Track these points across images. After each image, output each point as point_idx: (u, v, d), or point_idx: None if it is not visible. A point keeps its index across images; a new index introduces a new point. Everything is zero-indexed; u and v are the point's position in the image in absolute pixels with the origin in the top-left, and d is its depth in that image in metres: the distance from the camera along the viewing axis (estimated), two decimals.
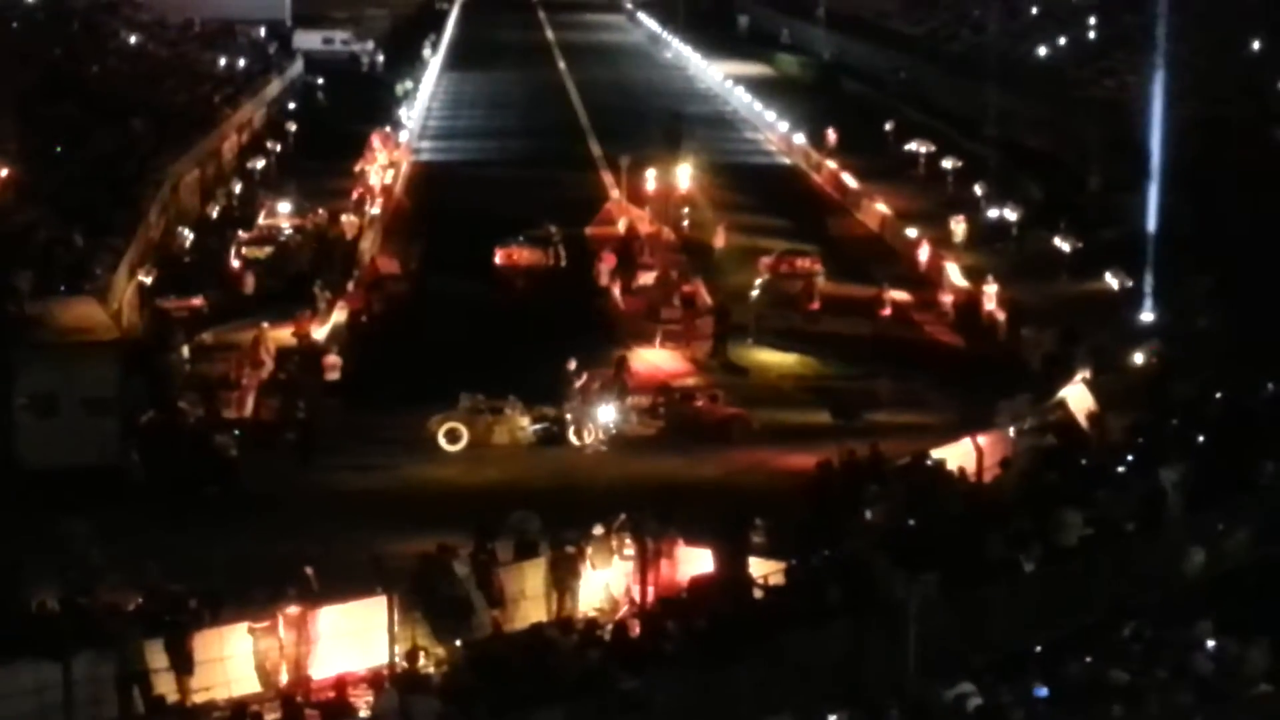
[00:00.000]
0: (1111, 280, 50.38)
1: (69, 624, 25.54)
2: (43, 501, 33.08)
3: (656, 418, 40.39)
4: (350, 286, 51.17)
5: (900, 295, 52.28)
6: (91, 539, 29.78)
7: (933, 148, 75.75)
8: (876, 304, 50.76)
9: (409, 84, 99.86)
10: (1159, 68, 49.47)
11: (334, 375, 42.81)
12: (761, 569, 27.27)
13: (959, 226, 60.75)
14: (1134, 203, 51.35)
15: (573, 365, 40.98)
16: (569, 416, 39.49)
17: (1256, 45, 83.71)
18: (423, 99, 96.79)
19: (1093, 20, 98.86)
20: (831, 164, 74.50)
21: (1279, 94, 75.37)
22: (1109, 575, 25.62)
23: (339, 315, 48.26)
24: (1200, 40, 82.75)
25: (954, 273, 53.10)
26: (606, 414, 39.60)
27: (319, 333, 46.51)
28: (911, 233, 59.48)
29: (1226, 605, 23.68)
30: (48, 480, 34.28)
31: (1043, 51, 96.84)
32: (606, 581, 28.83)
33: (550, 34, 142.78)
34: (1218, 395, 33.43)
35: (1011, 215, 61.52)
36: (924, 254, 56.97)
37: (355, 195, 64.99)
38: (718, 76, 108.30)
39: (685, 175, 66.14)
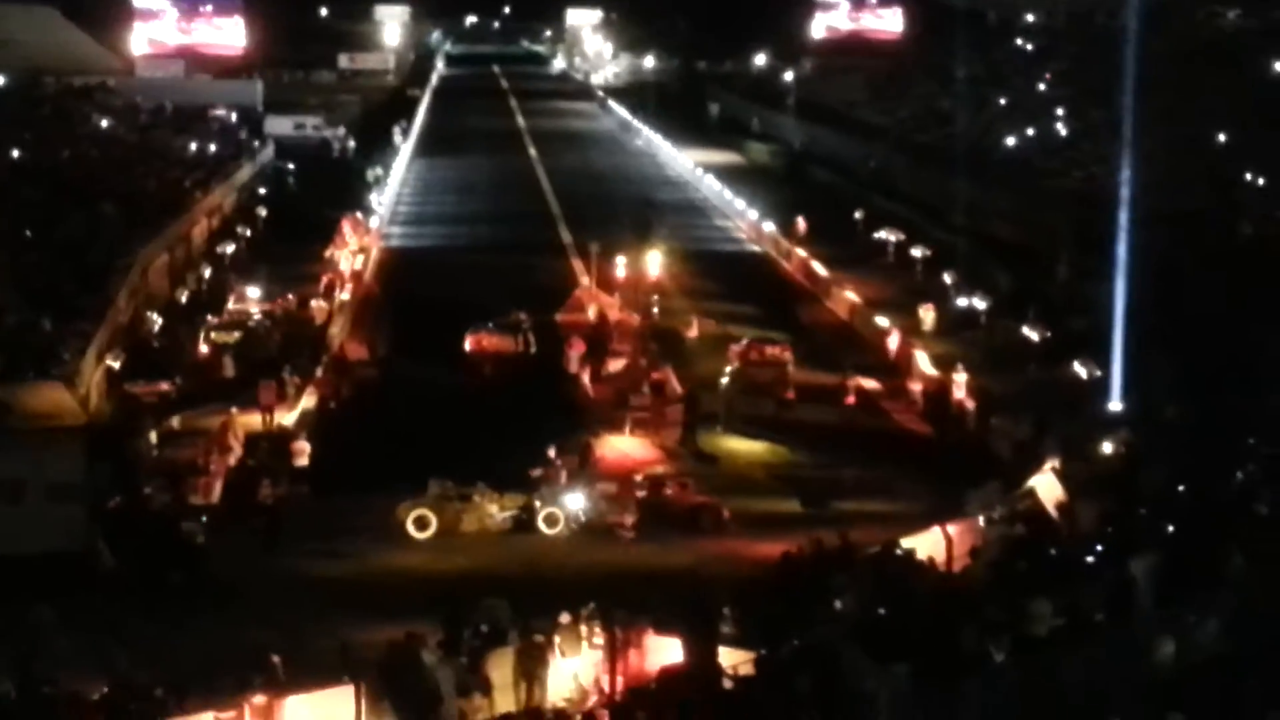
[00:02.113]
0: (1080, 369, 50.50)
1: (31, 714, 25.29)
2: (8, 589, 32.84)
3: (625, 505, 40.32)
4: (319, 372, 51.07)
5: (868, 383, 52.38)
6: (56, 627, 29.58)
7: (902, 236, 76.13)
8: (840, 392, 50.94)
9: (379, 170, 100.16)
10: (1126, 159, 49.74)
11: (303, 461, 42.69)
12: (731, 659, 27.14)
13: (928, 315, 61.00)
14: (1102, 292, 51.48)
15: (552, 452, 41.01)
16: (538, 504, 39.42)
17: (1223, 138, 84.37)
18: (393, 185, 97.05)
19: (1060, 112, 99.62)
20: (801, 252, 74.74)
21: (1246, 186, 75.90)
22: (1079, 666, 25.52)
23: (308, 401, 48.15)
24: (1166, 134, 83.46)
25: (923, 361, 53.20)
26: (575, 501, 39.61)
27: (288, 418, 46.37)
28: (881, 321, 59.63)
29: (1197, 697, 23.59)
30: (13, 567, 34.03)
31: (1011, 142, 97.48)
32: (575, 671, 28.66)
33: (521, 121, 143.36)
34: (1185, 486, 33.42)
35: (980, 304, 61.75)
36: (894, 342, 57.10)
37: (324, 281, 65.02)
38: (688, 164, 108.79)
39: (655, 262, 66.34)
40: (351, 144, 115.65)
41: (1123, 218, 48.61)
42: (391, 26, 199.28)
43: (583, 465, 41.64)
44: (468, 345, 55.27)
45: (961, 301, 62.90)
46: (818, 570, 31.18)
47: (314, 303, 60.96)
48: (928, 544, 32.21)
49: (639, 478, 41.10)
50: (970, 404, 48.64)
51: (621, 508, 39.64)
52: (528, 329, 56.49)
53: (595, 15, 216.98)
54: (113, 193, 70.83)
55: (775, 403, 50.28)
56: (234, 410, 45.50)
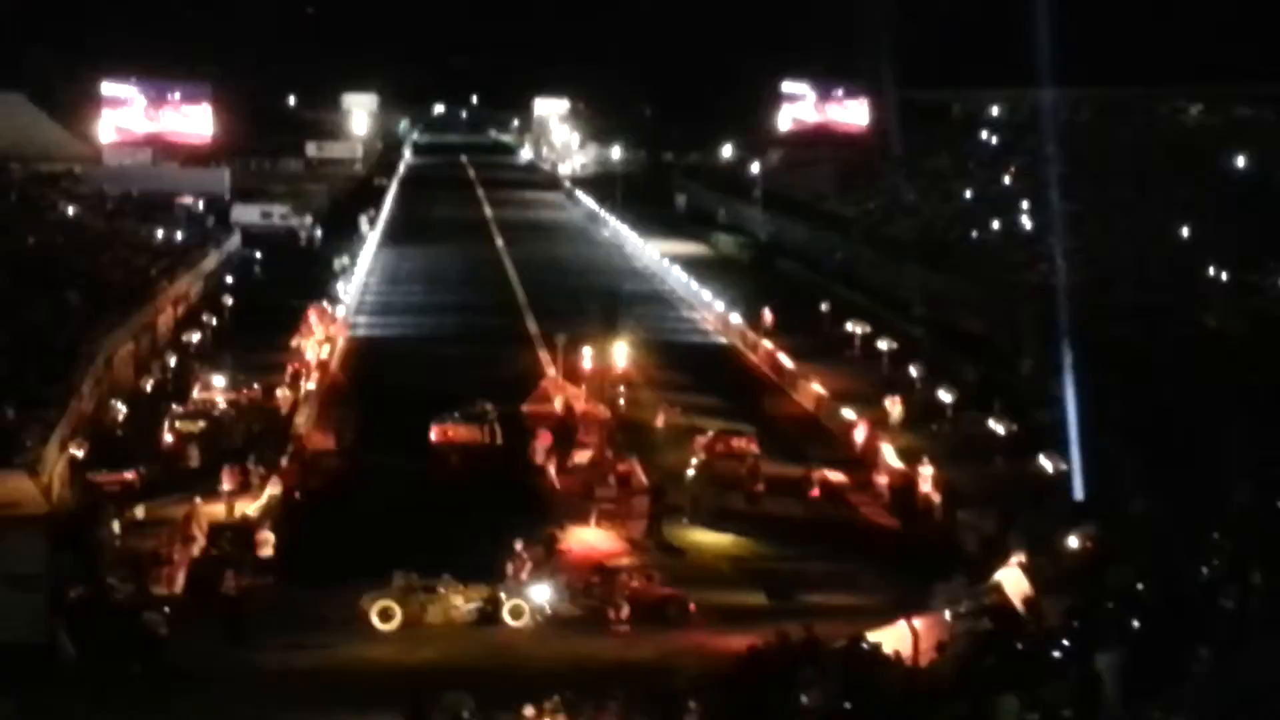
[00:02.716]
0: (1046, 462, 50.56)
1: None
2: None
3: (591, 598, 40.20)
4: (284, 462, 50.85)
5: (834, 476, 52.32)
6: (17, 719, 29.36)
7: (868, 328, 76.28)
8: (805, 485, 50.93)
9: (346, 259, 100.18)
10: (1086, 252, 49.99)
11: (267, 551, 42.47)
12: None
13: (894, 407, 61.02)
14: (1067, 385, 51.71)
15: (518, 545, 40.91)
16: (503, 596, 39.27)
17: (1185, 232, 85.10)
18: (360, 274, 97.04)
19: (1025, 205, 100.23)
20: (768, 343, 74.86)
21: (1207, 279, 76.47)
22: None
23: (272, 490, 47.92)
24: (1129, 227, 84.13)
25: (889, 454, 53.22)
26: (540, 593, 39.50)
27: (252, 508, 46.15)
28: (848, 413, 59.65)
29: None
30: None
31: (975, 235, 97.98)
32: None
33: (488, 210, 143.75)
34: (1151, 580, 33.44)
35: (946, 397, 61.82)
36: (860, 434, 57.11)
37: (290, 370, 64.85)
38: (655, 255, 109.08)
39: (622, 353, 66.39)
40: (319, 233, 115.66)
41: (1064, 310, 48.60)
42: (359, 115, 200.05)
43: (548, 557, 41.53)
44: (434, 436, 55.06)
45: (927, 394, 62.94)
46: (783, 664, 31.14)
47: (279, 392, 60.80)
48: (894, 638, 32.17)
49: (623, 569, 40.92)
50: (936, 497, 48.67)
51: (608, 600, 39.54)
52: (494, 419, 56.35)
53: (563, 105, 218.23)
54: (78, 280, 70.67)
55: (746, 495, 50.22)
56: (198, 500, 45.30)
